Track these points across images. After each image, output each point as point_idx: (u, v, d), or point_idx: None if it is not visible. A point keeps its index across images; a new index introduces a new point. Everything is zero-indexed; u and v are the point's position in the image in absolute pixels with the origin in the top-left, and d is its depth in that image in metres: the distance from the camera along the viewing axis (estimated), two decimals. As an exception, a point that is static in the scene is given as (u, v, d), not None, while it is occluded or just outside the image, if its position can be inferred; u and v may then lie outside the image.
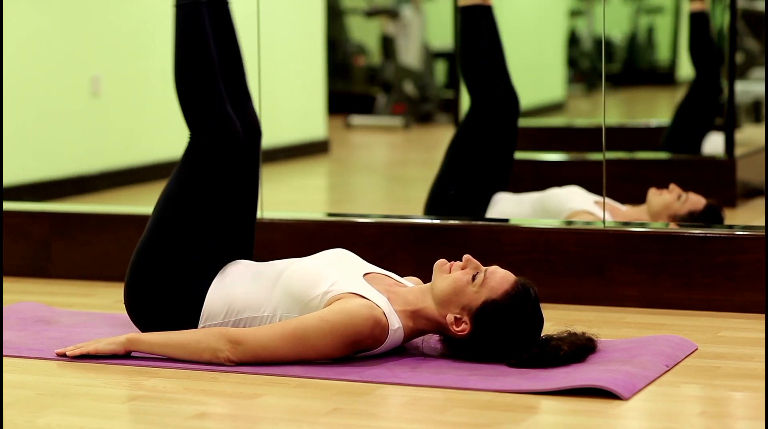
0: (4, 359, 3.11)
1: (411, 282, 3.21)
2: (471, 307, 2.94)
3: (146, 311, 3.16)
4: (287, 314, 3.04)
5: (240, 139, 3.27)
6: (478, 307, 2.93)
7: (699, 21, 5.86)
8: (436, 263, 3.03)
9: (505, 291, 2.93)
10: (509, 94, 4.49)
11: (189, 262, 3.15)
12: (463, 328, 2.95)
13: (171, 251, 3.16)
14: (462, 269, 2.98)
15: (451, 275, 2.98)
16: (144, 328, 3.18)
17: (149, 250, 3.18)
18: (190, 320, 3.13)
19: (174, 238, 3.17)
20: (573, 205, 4.26)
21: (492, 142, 4.43)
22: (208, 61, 3.27)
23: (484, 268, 2.98)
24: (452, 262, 3.02)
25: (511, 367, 2.91)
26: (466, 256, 3.00)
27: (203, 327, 3.11)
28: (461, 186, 4.40)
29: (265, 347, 2.95)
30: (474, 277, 2.96)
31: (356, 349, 2.96)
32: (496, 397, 2.71)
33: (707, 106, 5.70)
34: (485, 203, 4.40)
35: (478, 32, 4.45)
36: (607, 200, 4.33)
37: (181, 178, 3.24)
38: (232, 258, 3.24)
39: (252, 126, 3.36)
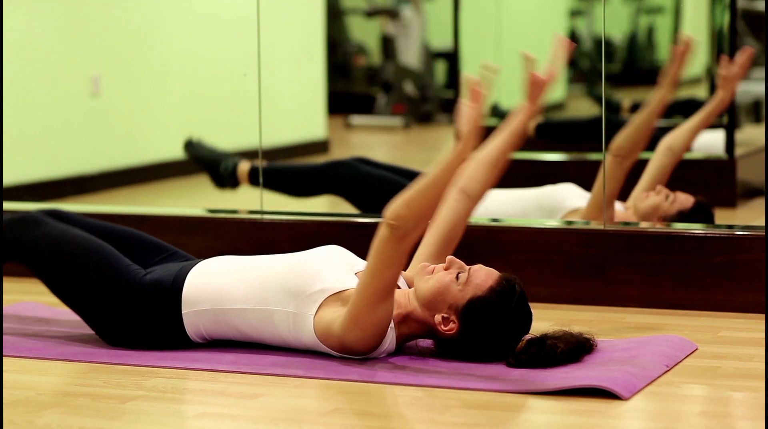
0: (4, 359, 3.11)
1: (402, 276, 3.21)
2: (458, 306, 2.95)
3: (134, 339, 3.20)
4: (280, 308, 3.04)
5: (25, 214, 3.43)
6: (464, 304, 2.94)
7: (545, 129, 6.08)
8: (418, 268, 3.04)
9: (490, 287, 2.94)
10: (335, 161, 4.71)
11: (124, 278, 3.20)
12: (451, 327, 2.95)
13: (99, 290, 3.21)
14: (446, 270, 2.99)
15: (435, 276, 2.99)
16: (140, 347, 3.22)
17: (91, 310, 3.23)
18: (173, 313, 3.13)
19: (88, 285, 3.22)
20: (571, 203, 4.26)
21: (376, 186, 4.53)
22: None
23: (467, 267, 2.99)
24: (434, 265, 3.03)
25: (509, 367, 2.92)
26: (449, 258, 3.02)
27: (187, 311, 3.12)
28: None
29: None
30: (458, 276, 2.97)
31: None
32: (496, 397, 2.71)
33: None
34: None
35: (277, 174, 4.76)
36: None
37: (42, 269, 3.33)
38: (161, 260, 3.34)
39: (38, 211, 3.49)
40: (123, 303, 3.16)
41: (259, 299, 3.07)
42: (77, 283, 3.22)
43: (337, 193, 4.69)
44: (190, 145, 5.10)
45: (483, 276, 2.97)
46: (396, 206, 2.86)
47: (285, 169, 4.81)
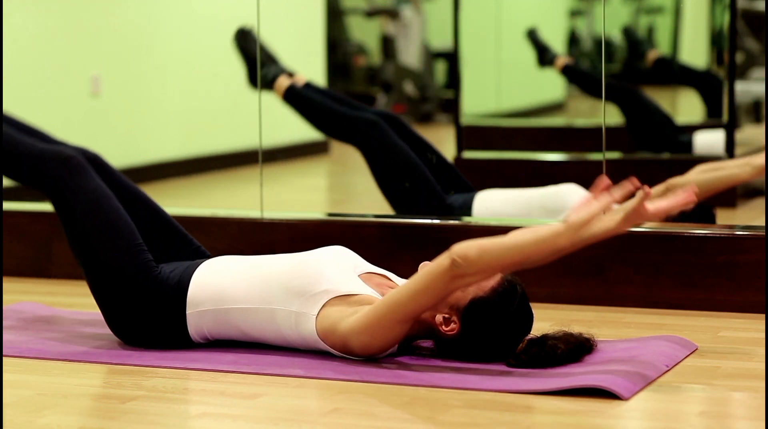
0: (4, 359, 3.11)
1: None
2: (459, 306, 2.94)
3: (135, 329, 3.20)
4: (283, 307, 3.04)
5: (72, 154, 3.34)
6: (466, 305, 2.93)
7: (570, 72, 6.08)
8: (420, 265, 3.04)
9: (492, 288, 2.94)
10: (369, 117, 4.57)
11: (136, 268, 3.19)
12: (452, 327, 2.95)
13: (114, 270, 3.19)
14: None
15: None
16: (141, 344, 3.21)
17: (99, 285, 3.22)
18: (177, 313, 3.13)
19: (105, 259, 3.20)
20: (574, 205, 4.25)
21: (397, 160, 4.48)
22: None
23: None
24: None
25: (510, 367, 2.92)
26: None
27: (191, 312, 3.12)
28: (413, 205, 4.45)
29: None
30: None
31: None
32: (496, 397, 2.71)
33: (648, 115, 5.77)
34: (459, 205, 4.40)
35: (308, 102, 4.66)
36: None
37: (67, 220, 3.28)
38: (182, 258, 3.30)
39: (80, 151, 3.42)
40: (130, 296, 3.16)
41: (262, 299, 3.07)
42: (96, 254, 3.21)
43: (360, 148, 4.59)
44: (241, 34, 4.96)
45: None
46: (469, 247, 2.80)
47: (319, 101, 4.68)
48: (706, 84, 6.16)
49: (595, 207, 2.79)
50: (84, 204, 3.27)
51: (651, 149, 5.71)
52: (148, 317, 3.16)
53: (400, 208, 4.43)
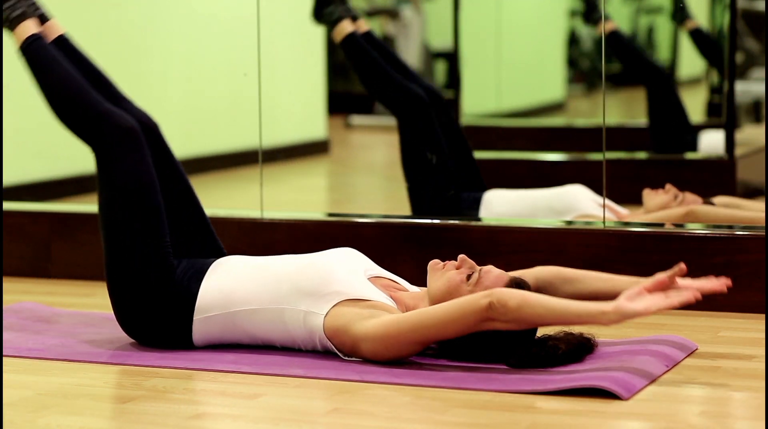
0: (4, 359, 3.11)
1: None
2: None
3: (139, 325, 3.19)
4: (292, 307, 3.03)
5: (135, 126, 3.28)
6: None
7: (614, 39, 5.96)
8: (429, 263, 3.04)
9: None
10: (419, 94, 4.50)
11: (154, 266, 3.16)
12: (457, 328, 2.95)
13: (133, 259, 3.17)
14: (456, 269, 2.99)
15: (446, 274, 2.98)
16: (142, 340, 3.20)
17: (114, 267, 3.19)
18: (184, 316, 3.12)
19: (127, 245, 3.17)
20: (582, 206, 4.26)
21: (428, 143, 4.45)
22: (72, 79, 3.32)
23: (478, 267, 2.98)
24: (446, 261, 3.02)
25: (510, 367, 2.91)
26: (461, 256, 3.01)
27: (199, 317, 3.11)
28: (424, 189, 4.42)
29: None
30: (469, 277, 2.96)
31: None
32: (496, 397, 2.71)
33: (669, 105, 5.72)
34: (469, 204, 4.39)
35: (364, 56, 4.56)
36: (609, 203, 4.33)
37: (106, 191, 3.25)
38: (199, 251, 3.28)
39: (142, 118, 3.39)
40: (142, 292, 3.14)
41: (271, 299, 3.06)
42: (120, 239, 3.17)
43: (398, 118, 4.51)
44: None
45: (493, 278, 2.96)
46: (512, 296, 2.78)
47: (375, 59, 4.57)
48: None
49: (649, 305, 2.75)
50: (127, 183, 3.21)
51: (666, 148, 5.69)
52: (154, 316, 3.15)
53: (414, 183, 4.41)
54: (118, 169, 3.23)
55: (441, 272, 3.01)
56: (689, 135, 5.71)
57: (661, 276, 2.82)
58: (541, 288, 3.10)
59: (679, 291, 2.79)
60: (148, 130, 3.37)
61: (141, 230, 3.18)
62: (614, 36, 6.01)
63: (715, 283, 2.85)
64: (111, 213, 3.21)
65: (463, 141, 4.55)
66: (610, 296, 2.96)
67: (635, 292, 2.77)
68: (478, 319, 2.80)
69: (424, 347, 2.93)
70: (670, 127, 5.68)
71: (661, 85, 5.75)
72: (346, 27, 4.61)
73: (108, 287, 3.21)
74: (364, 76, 4.61)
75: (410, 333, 2.88)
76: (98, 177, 3.27)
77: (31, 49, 3.40)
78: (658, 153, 5.68)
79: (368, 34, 4.65)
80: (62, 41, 3.48)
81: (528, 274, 3.12)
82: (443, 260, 3.05)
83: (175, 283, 3.14)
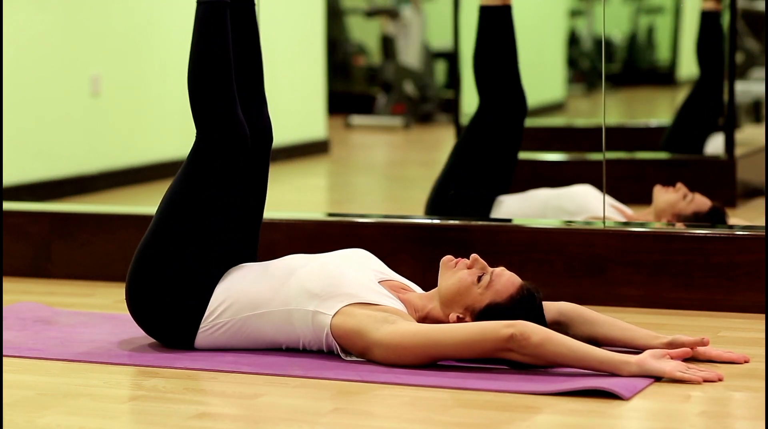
0: (4, 359, 3.11)
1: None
2: (474, 309, 2.94)
3: (149, 311, 3.15)
4: (300, 307, 3.02)
5: (247, 143, 3.21)
6: (481, 309, 2.93)
7: (710, 20, 5.81)
8: (442, 260, 3.03)
9: (510, 295, 2.92)
10: (518, 96, 4.43)
11: (192, 264, 3.12)
12: (464, 328, 2.94)
13: (174, 251, 3.12)
14: (468, 268, 2.98)
15: (457, 274, 2.97)
16: (145, 326, 3.17)
17: (152, 249, 3.14)
18: (193, 319, 3.11)
19: (177, 238, 3.13)
20: (592, 207, 4.26)
21: (498, 143, 4.40)
22: (224, 62, 3.19)
23: (490, 269, 2.97)
24: (459, 258, 3.01)
25: (510, 367, 2.91)
26: (473, 256, 3.00)
27: (206, 324, 3.10)
28: (463, 186, 4.38)
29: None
30: (480, 278, 2.95)
31: None
32: (496, 397, 2.71)
33: (710, 106, 5.69)
34: (487, 205, 4.38)
35: (496, 33, 4.42)
36: (616, 204, 4.33)
37: (185, 179, 3.18)
38: (236, 260, 3.21)
39: (263, 131, 3.31)
40: (168, 293, 3.11)
41: (280, 301, 3.05)
42: (173, 242, 3.12)
43: (483, 106, 4.36)
44: None
45: (504, 282, 2.95)
46: (536, 331, 2.78)
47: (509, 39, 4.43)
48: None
49: (672, 370, 2.79)
50: (209, 191, 3.15)
51: (686, 148, 5.67)
52: (168, 307, 3.10)
53: (458, 157, 4.36)
54: (208, 173, 3.16)
55: (452, 271, 2.99)
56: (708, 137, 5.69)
57: (684, 341, 2.93)
58: (561, 322, 3.07)
59: (701, 368, 2.85)
60: (262, 141, 3.30)
61: (199, 243, 3.12)
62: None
63: (734, 356, 2.96)
64: (177, 207, 3.15)
65: (516, 149, 4.47)
66: (624, 346, 3.02)
67: (660, 354, 2.82)
68: (497, 348, 2.80)
69: (436, 362, 2.93)
70: (699, 128, 5.65)
71: (712, 85, 5.67)
72: None
73: (134, 266, 3.15)
74: (480, 51, 4.43)
75: (426, 348, 2.88)
76: (187, 163, 3.19)
77: (210, 8, 3.20)
78: (675, 153, 5.66)
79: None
80: (247, 8, 3.31)
81: (551, 307, 3.08)
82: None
83: (195, 281, 3.12)
